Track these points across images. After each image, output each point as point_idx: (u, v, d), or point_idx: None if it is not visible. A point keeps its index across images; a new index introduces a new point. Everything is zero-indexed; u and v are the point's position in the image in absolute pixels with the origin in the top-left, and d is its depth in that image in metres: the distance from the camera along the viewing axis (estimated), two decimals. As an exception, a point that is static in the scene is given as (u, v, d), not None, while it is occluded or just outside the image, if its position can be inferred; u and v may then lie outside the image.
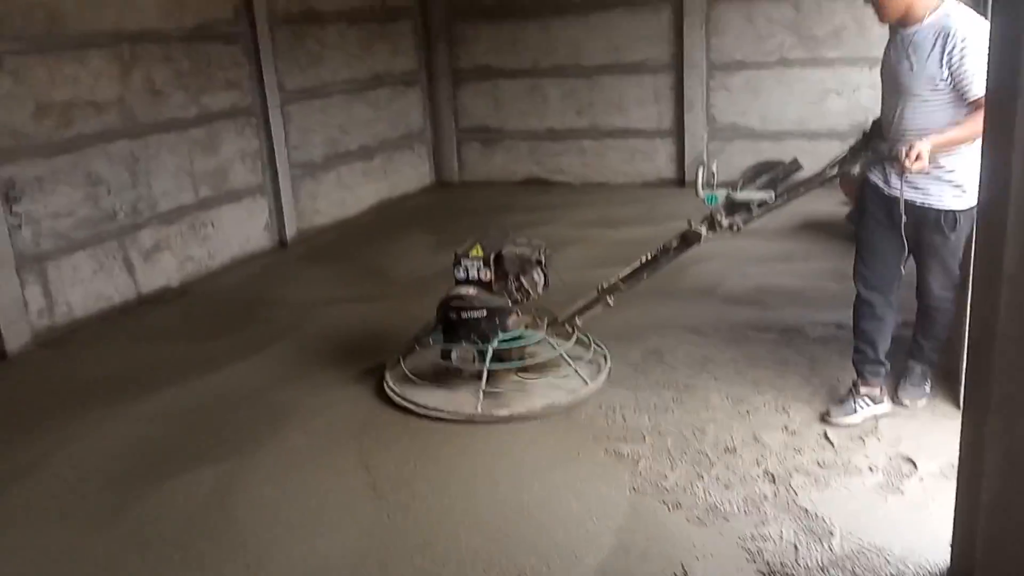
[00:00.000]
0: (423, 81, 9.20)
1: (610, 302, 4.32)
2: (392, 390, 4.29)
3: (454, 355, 4.20)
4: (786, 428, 3.76)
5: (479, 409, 4.03)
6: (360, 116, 8.28)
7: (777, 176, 3.95)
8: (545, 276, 4.39)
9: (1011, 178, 1.49)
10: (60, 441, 4.01)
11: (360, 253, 7.11)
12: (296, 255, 7.17)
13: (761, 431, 3.74)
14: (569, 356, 4.29)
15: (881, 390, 3.81)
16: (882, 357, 3.80)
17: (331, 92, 7.91)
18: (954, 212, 3.48)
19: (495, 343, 4.16)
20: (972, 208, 3.42)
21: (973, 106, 3.24)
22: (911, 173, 3.36)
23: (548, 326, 4.40)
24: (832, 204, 6.65)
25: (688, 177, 8.34)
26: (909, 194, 3.47)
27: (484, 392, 4.08)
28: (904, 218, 3.45)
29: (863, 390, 3.78)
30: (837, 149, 3.86)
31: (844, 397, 3.84)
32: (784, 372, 4.29)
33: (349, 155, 8.15)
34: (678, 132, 8.50)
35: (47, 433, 4.10)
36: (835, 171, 3.71)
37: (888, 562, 2.86)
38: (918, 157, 3.26)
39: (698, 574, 2.87)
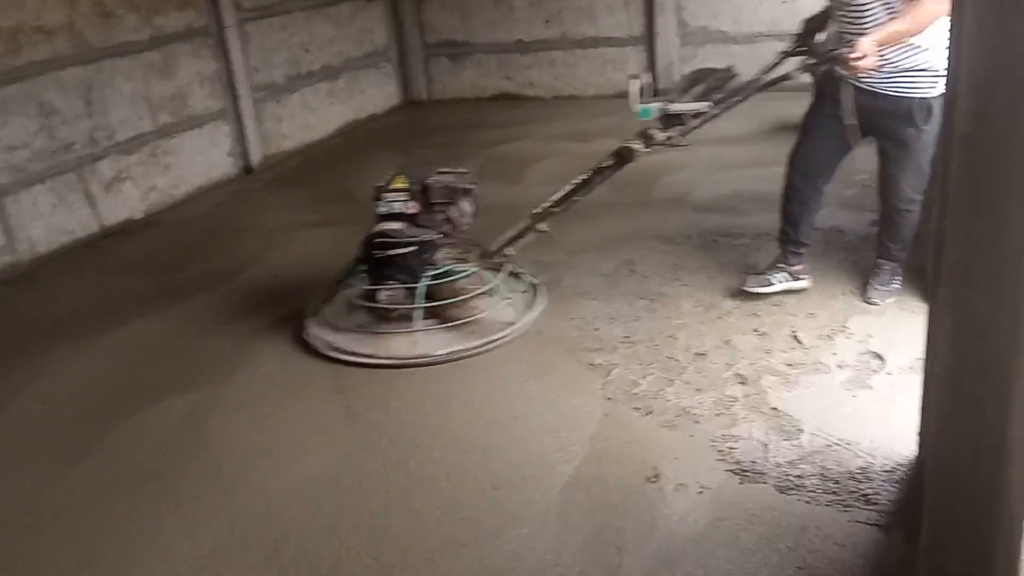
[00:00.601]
0: (386, -6, 8.90)
1: (544, 228, 4.10)
2: (318, 339, 4.00)
3: (383, 295, 3.94)
4: (756, 331, 3.76)
5: (418, 350, 3.83)
6: (322, 34, 8.02)
7: (712, 85, 3.82)
8: (473, 206, 4.17)
9: (963, 36, 1.42)
10: (29, 377, 3.96)
11: (328, 177, 6.97)
12: (263, 181, 7.02)
13: (731, 335, 3.75)
14: (502, 288, 4.12)
15: (801, 268, 4.00)
16: (802, 238, 3.96)
17: (290, 8, 7.63)
18: (928, 100, 3.44)
19: (426, 280, 3.92)
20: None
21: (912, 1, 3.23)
22: (858, 72, 3.37)
23: (480, 258, 4.15)
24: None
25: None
26: (881, 84, 3.43)
27: (415, 331, 3.87)
28: (854, 121, 3.43)
29: (781, 265, 3.97)
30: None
31: (763, 270, 4.02)
32: (755, 276, 4.27)
33: (312, 75, 7.92)
34: (649, 39, 8.30)
35: (14, 370, 4.05)
36: (769, 78, 3.65)
37: (856, 455, 2.90)
38: (863, 56, 3.28)
39: (670, 475, 2.90)
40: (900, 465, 2.83)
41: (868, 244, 4.49)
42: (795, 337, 3.67)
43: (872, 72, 3.42)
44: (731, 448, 3.00)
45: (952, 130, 1.36)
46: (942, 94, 3.30)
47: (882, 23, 3.38)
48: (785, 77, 3.67)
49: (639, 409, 3.30)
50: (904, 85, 3.47)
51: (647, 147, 3.82)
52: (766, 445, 3.00)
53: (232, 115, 7.01)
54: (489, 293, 4.07)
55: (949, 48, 1.55)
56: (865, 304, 3.86)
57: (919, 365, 2.97)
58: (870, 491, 2.73)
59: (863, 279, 3.96)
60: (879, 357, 3.45)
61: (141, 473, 3.22)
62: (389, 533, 2.77)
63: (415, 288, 3.90)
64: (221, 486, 3.10)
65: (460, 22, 8.93)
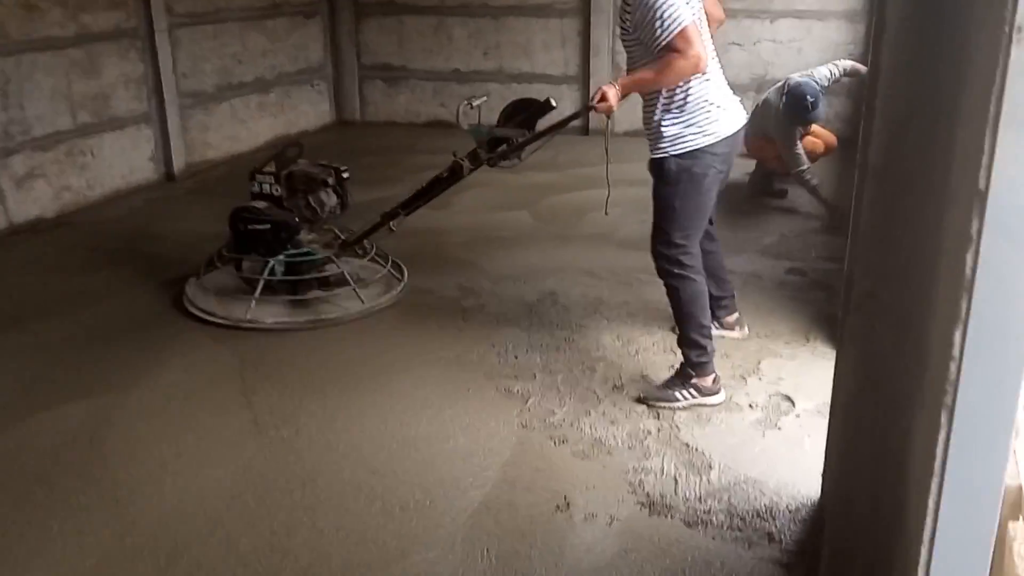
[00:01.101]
0: (324, 13, 8.84)
1: (392, 227, 4.47)
2: (189, 301, 4.41)
3: (244, 266, 4.43)
4: (672, 367, 3.80)
5: (248, 315, 4.22)
6: (256, 46, 7.91)
7: (532, 115, 4.12)
8: (341, 199, 4.58)
9: (879, 76, 1.47)
10: (-86, 374, 3.74)
11: (253, 189, 6.83)
12: (184, 189, 6.84)
13: (648, 370, 3.79)
14: (360, 276, 4.56)
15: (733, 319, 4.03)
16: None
17: (225, 18, 7.51)
18: (667, 160, 3.34)
19: (280, 257, 4.34)
20: (688, 155, 3.31)
21: (663, 51, 3.15)
22: (598, 112, 3.39)
23: (340, 247, 4.57)
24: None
25: (593, 125, 8.33)
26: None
27: (256, 300, 4.27)
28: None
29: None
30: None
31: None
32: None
33: (244, 87, 7.79)
34: (583, 78, 8.45)
35: (-101, 365, 3.81)
36: (577, 116, 3.94)
37: (763, 493, 2.94)
38: (602, 98, 3.33)
39: (580, 505, 2.89)
40: (804, 505, 2.89)
41: (784, 289, 4.62)
42: (675, 368, 3.72)
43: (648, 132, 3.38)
44: (642, 481, 3.02)
45: (865, 165, 1.41)
46: (687, 153, 3.31)
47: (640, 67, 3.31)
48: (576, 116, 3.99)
49: (553, 438, 3.30)
50: (652, 143, 3.39)
51: (473, 165, 4.17)
52: (676, 480, 3.03)
53: (156, 120, 6.83)
54: (344, 280, 4.46)
55: (867, 86, 1.56)
56: (775, 348, 3.96)
57: (826, 409, 3.05)
58: (774, 529, 2.77)
59: (776, 323, 4.05)
60: (789, 399, 3.53)
61: (29, 479, 3.05)
62: (290, 552, 2.68)
63: (268, 262, 4.35)
64: (115, 497, 2.96)
65: (398, 46, 8.93)
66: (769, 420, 3.39)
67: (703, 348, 3.46)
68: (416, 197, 4.44)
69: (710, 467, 3.09)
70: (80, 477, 3.07)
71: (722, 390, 3.51)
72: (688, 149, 3.31)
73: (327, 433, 3.35)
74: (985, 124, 0.71)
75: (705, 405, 3.45)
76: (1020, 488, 0.93)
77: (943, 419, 0.74)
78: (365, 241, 4.64)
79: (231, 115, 7.66)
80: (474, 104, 4.10)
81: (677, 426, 3.35)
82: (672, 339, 4.07)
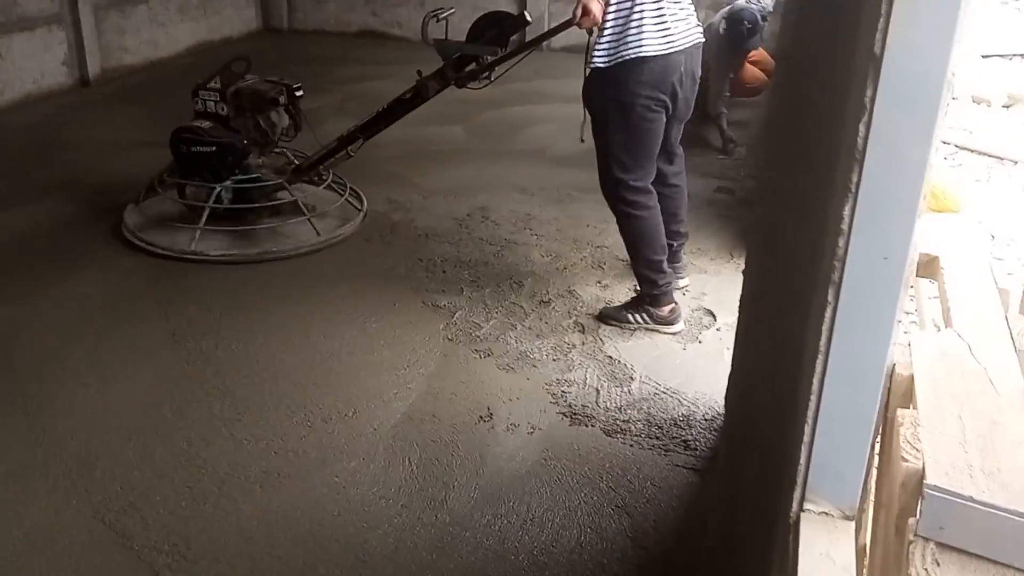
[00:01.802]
0: (250, -89, 8.41)
1: (351, 152, 4.17)
2: (128, 230, 4.08)
3: (188, 191, 4.09)
4: (599, 283, 3.83)
5: (192, 247, 3.92)
6: (176, -55, 7.50)
7: (504, 31, 3.86)
8: (294, 119, 4.22)
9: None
10: None
11: (173, 97, 6.49)
12: (100, 95, 6.52)
13: (576, 285, 3.80)
14: (318, 203, 4.26)
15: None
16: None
17: (141, -88, 7.08)
18: (601, 70, 3.16)
19: (227, 182, 4.00)
20: (612, 77, 3.14)
21: None
22: (581, 28, 3.17)
23: (293, 173, 4.23)
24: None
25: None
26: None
27: (201, 230, 3.97)
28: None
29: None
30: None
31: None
32: (604, 231, 4.34)
33: (163, -12, 7.40)
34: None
35: None
36: (557, 31, 3.58)
37: (681, 403, 3.00)
38: (585, 12, 3.09)
39: (503, 415, 2.91)
40: (720, 414, 2.95)
41: (712, 206, 4.66)
42: (635, 290, 3.75)
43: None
44: (564, 392, 3.05)
45: (778, 50, 1.38)
46: (611, 73, 3.13)
47: None
48: (556, 31, 3.57)
49: (479, 352, 3.30)
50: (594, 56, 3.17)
51: (439, 86, 3.89)
52: (598, 391, 3.07)
53: (69, 21, 6.45)
54: (297, 209, 4.14)
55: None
56: (700, 264, 4.00)
57: (746, 322, 3.11)
58: (690, 437, 2.84)
59: (703, 240, 4.09)
60: (711, 314, 3.59)
61: (-68, 391, 2.94)
62: (207, 462, 2.64)
63: (214, 188, 4.00)
64: (25, 406, 2.87)
65: (328, -49, 8.57)
66: (691, 333, 3.44)
67: (653, 281, 3.38)
68: (376, 120, 4.09)
69: (631, 379, 3.14)
70: (-13, 388, 2.97)
71: (679, 320, 3.43)
72: (609, 64, 3.11)
73: (248, 346, 3.29)
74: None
75: (660, 332, 3.43)
76: (912, 378, 0.94)
77: (830, 295, 0.74)
78: (321, 167, 4.27)
79: (149, 18, 7.28)
80: (440, 17, 3.75)
81: (601, 339, 3.38)
82: (600, 254, 4.10)
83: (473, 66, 3.83)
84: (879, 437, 0.98)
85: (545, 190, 4.89)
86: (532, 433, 2.83)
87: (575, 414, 2.93)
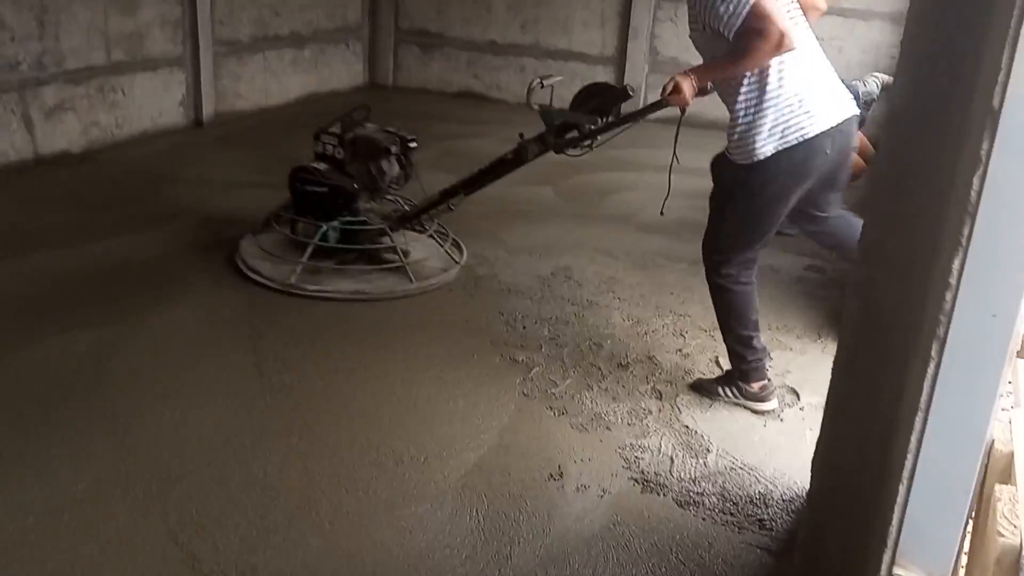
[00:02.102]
0: (365, -27, 8.82)
1: (451, 206, 4.33)
2: (240, 258, 4.27)
3: (299, 228, 4.30)
4: (680, 351, 3.79)
5: (292, 280, 4.07)
6: (294, 0, 7.90)
7: (606, 101, 3.89)
8: (404, 169, 4.40)
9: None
10: (-72, 289, 3.77)
11: (280, 142, 6.83)
12: (211, 136, 6.85)
13: (656, 351, 3.76)
14: (421, 252, 4.43)
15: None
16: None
17: (265, -30, 7.51)
18: (738, 166, 3.06)
19: (334, 223, 4.21)
20: (755, 164, 3.00)
21: (735, 39, 2.87)
22: (671, 105, 3.15)
23: (397, 220, 4.42)
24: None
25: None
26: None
27: (304, 264, 4.12)
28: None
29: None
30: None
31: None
32: (688, 300, 4.31)
33: (279, 40, 7.78)
34: (619, 60, 8.37)
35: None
36: (653, 109, 3.57)
37: (758, 480, 2.92)
38: (675, 89, 3.06)
39: (574, 475, 2.88)
40: (799, 496, 2.86)
41: (801, 284, 4.58)
42: (717, 362, 3.70)
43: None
44: (638, 458, 3.00)
45: (888, 113, 1.36)
46: (766, 159, 2.97)
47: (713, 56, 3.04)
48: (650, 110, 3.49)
49: (553, 409, 3.28)
50: (728, 143, 3.08)
51: (539, 149, 3.97)
52: (672, 460, 3.01)
53: (189, 64, 6.83)
54: (399, 254, 4.28)
55: (906, 28, 1.38)
56: (786, 342, 3.91)
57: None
58: (766, 517, 2.75)
59: (790, 318, 4.01)
60: (794, 392, 3.50)
61: (32, 401, 3.07)
62: (280, 494, 2.68)
63: (322, 226, 4.20)
64: (113, 424, 2.98)
65: (436, 13, 8.89)
66: (773, 411, 3.35)
67: (742, 357, 3.29)
68: (477, 177, 4.23)
69: (708, 451, 3.07)
70: (81, 403, 3.09)
71: (772, 398, 3.34)
72: (744, 160, 3.00)
73: (328, 384, 3.35)
74: (1005, 41, 0.68)
75: (751, 409, 3.35)
76: (1012, 454, 0.90)
77: (934, 351, 0.72)
78: (424, 217, 4.43)
79: (264, 67, 7.65)
80: (546, 83, 3.86)
81: (679, 408, 3.33)
82: (683, 322, 4.05)
83: (574, 133, 3.88)
84: (974, 511, 0.93)
85: (631, 255, 4.89)
86: (602, 496, 2.79)
87: (647, 481, 2.88)
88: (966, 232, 0.69)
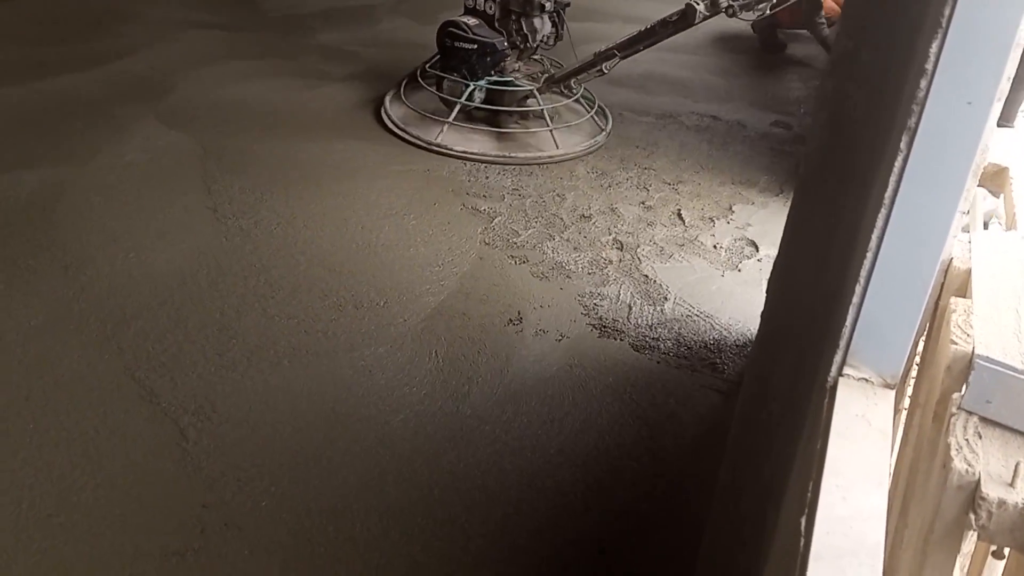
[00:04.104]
0: None
1: (605, 69, 4.14)
2: (387, 115, 4.25)
3: (444, 85, 4.17)
4: (643, 203, 3.77)
5: (437, 139, 4.03)
6: None
7: None
8: (556, 28, 4.26)
9: None
10: None
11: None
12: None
13: (619, 203, 3.74)
14: (564, 115, 4.30)
15: None
16: None
17: None
18: None
19: (481, 81, 4.10)
20: None
21: None
22: None
23: (544, 82, 4.26)
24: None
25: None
26: None
27: (450, 124, 4.08)
28: None
29: None
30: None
31: None
32: (653, 153, 4.26)
33: None
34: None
35: None
36: None
37: (713, 327, 2.97)
38: None
39: (532, 321, 2.90)
40: (751, 342, 2.92)
41: (766, 140, 4.54)
42: (679, 215, 3.70)
43: None
44: (596, 305, 3.03)
45: None
46: None
47: None
48: None
49: (515, 258, 3.28)
50: None
51: (709, 12, 3.79)
52: (630, 307, 3.04)
53: None
54: (546, 117, 4.17)
55: None
56: (748, 195, 3.91)
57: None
58: (718, 361, 2.81)
59: (753, 172, 3.99)
60: (753, 244, 3.52)
61: (-23, 239, 3.00)
62: (238, 333, 2.68)
63: (468, 84, 4.11)
64: (64, 263, 2.92)
65: None
66: (731, 262, 3.38)
67: None
68: (636, 39, 4.03)
69: (665, 299, 3.11)
70: (30, 242, 3.02)
71: None
72: None
73: (286, 228, 3.30)
74: None
75: (699, 257, 3.34)
76: (968, 272, 0.90)
77: (903, 143, 0.69)
78: (573, 80, 4.28)
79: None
80: None
81: (639, 259, 3.34)
82: (647, 175, 4.01)
83: None
84: (928, 326, 0.94)
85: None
86: (560, 340, 2.83)
87: (605, 327, 2.92)
88: (947, 12, 0.65)
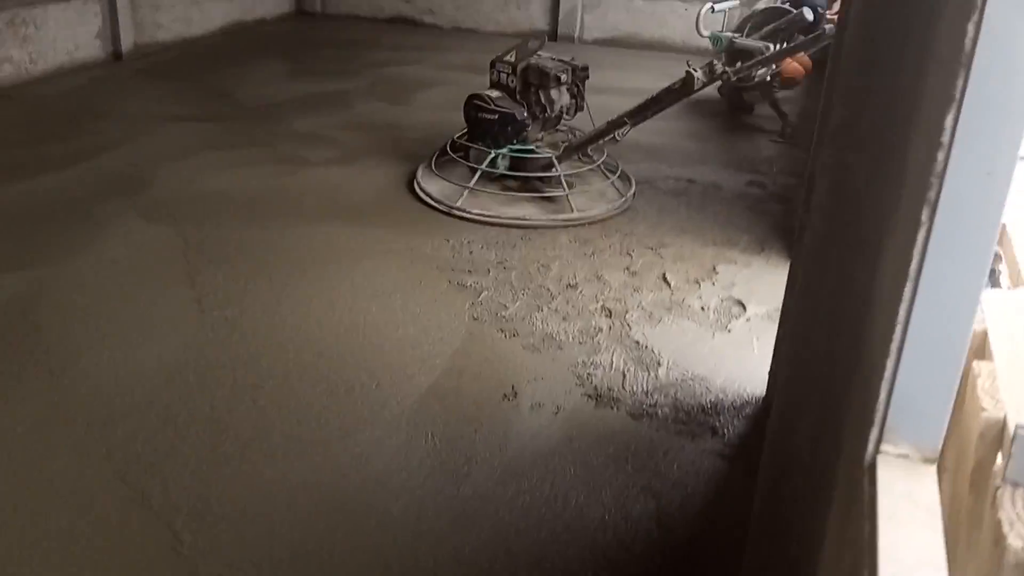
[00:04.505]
0: None
1: (618, 137, 4.34)
2: (419, 185, 4.45)
3: (471, 154, 4.41)
4: (628, 269, 3.79)
5: (459, 204, 4.22)
6: (213, -76, 7.51)
7: (780, 28, 3.89)
8: (575, 99, 4.48)
9: None
10: None
11: (205, 74, 6.56)
12: (132, 70, 6.54)
13: (604, 271, 3.76)
14: (582, 183, 4.47)
15: None
16: None
17: None
18: None
19: (503, 149, 4.32)
20: None
21: None
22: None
23: (564, 150, 4.47)
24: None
25: (562, 31, 8.14)
26: None
27: (470, 189, 4.27)
28: None
29: None
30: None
31: None
32: (633, 219, 4.30)
33: (198, -34, 7.41)
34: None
35: None
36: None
37: (709, 390, 2.95)
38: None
39: (528, 394, 2.87)
40: (749, 402, 2.90)
41: (743, 200, 4.60)
42: (664, 279, 3.71)
43: None
44: (590, 374, 3.01)
45: None
46: None
47: None
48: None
49: (504, 331, 3.26)
50: None
51: (707, 79, 3.96)
52: (624, 375, 3.02)
53: (104, -6, 6.47)
54: (564, 183, 4.33)
55: None
56: (730, 255, 3.94)
57: (777, 314, 3.06)
58: (718, 424, 2.79)
59: (733, 232, 4.03)
60: (740, 304, 3.54)
61: (-42, 346, 2.94)
62: (230, 427, 2.62)
63: (490, 152, 4.34)
64: (48, 367, 2.87)
65: (364, -64, 8.55)
66: (720, 323, 3.39)
67: None
68: (644, 107, 4.26)
69: (658, 364, 3.09)
70: (11, 346, 2.96)
71: None
72: None
73: (272, 316, 3.27)
74: None
75: (689, 320, 3.36)
76: (984, 332, 0.90)
77: (924, 215, 0.69)
78: (591, 148, 4.51)
79: (184, -4, 7.29)
80: (716, 8, 3.83)
81: (629, 325, 3.34)
82: (629, 241, 4.04)
83: (743, 63, 3.91)
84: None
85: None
86: (557, 413, 2.80)
87: (600, 396, 2.89)
88: (959, 85, 0.66)
